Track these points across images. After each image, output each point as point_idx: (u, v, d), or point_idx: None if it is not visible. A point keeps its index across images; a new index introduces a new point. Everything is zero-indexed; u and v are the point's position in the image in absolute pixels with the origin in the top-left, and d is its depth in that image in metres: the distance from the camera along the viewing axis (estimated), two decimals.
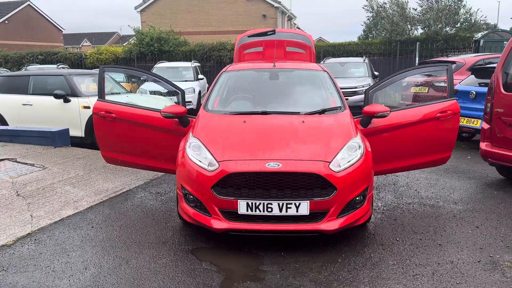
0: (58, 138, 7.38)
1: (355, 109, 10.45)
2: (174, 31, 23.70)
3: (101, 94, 4.74)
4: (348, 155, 3.61)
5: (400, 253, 3.53)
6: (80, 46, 58.00)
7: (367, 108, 4.21)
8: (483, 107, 7.36)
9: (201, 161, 3.58)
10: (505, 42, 18.40)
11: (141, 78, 10.86)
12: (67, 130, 7.57)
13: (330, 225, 3.42)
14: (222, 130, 3.95)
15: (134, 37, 24.88)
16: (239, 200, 3.39)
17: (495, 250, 3.58)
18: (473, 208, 4.59)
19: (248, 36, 6.19)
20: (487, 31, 20.89)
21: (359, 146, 3.73)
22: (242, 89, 4.97)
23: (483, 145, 5.48)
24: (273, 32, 5.96)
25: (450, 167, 6.25)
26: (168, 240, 3.79)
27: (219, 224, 3.45)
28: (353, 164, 3.55)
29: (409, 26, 20.94)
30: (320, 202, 3.38)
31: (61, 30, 44.71)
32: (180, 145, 4.01)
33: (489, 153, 5.37)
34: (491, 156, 5.37)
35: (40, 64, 22.02)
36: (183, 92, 4.77)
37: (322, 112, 4.25)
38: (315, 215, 3.43)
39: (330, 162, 3.47)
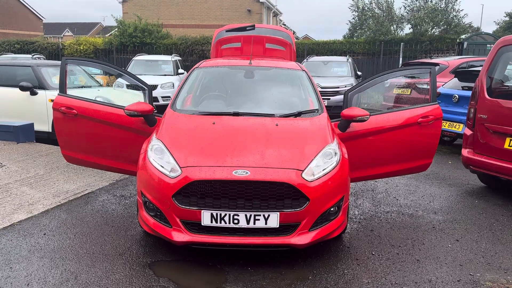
0: (21, 133, 6.94)
1: (337, 110, 10.19)
2: (161, 25, 23.08)
3: (62, 88, 4.42)
4: (323, 162, 3.35)
5: (376, 270, 3.28)
6: (62, 36, 56.48)
7: (345, 112, 3.95)
8: (466, 111, 7.20)
9: (163, 166, 3.27)
10: (488, 46, 18.46)
11: (108, 73, 10.43)
12: (31, 125, 7.13)
13: (302, 239, 3.15)
14: (189, 132, 3.63)
15: (116, 28, 24.20)
16: (202, 211, 3.09)
17: (475, 267, 3.36)
18: (453, 219, 4.39)
19: (226, 31, 5.90)
20: (471, 34, 20.96)
21: (335, 153, 3.46)
22: (214, 88, 4.66)
23: (465, 152, 5.29)
24: (253, 27, 5.67)
25: (430, 173, 6.06)
26: (125, 252, 3.46)
27: (180, 236, 3.14)
28: (328, 173, 3.28)
29: (394, 26, 20.86)
30: (291, 214, 3.11)
31: (41, 19, 43.37)
32: (142, 147, 3.69)
33: (471, 161, 5.19)
34: (473, 164, 5.18)
35: (17, 53, 21.22)
36: (150, 88, 4.43)
37: (298, 114, 3.97)
38: (285, 228, 3.15)
39: (303, 171, 3.19)
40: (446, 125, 7.35)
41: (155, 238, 3.62)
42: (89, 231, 3.85)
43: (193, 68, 4.81)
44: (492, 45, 18.93)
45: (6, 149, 6.64)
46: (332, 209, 3.30)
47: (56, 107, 4.31)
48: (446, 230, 4.10)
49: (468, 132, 5.32)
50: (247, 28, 5.71)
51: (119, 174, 5.43)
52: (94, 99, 7.12)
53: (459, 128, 7.25)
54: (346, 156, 3.60)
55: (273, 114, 3.92)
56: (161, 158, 3.34)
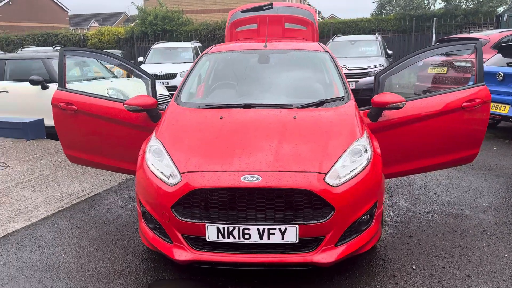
0: (30, 130, 6.63)
1: (366, 93, 9.51)
2: (182, 11, 22.56)
3: (61, 81, 4.05)
4: (351, 162, 2.79)
5: None
6: (88, 27, 56.98)
7: (376, 98, 3.35)
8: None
9: (161, 172, 2.79)
10: None
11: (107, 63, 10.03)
12: (41, 121, 6.82)
13: (327, 256, 2.62)
14: (192, 129, 3.14)
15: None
16: (207, 224, 2.60)
17: None
18: (506, 219, 3.75)
19: (241, 12, 5.38)
20: (510, 5, 19.47)
21: (366, 150, 2.89)
22: (224, 76, 4.14)
23: None
24: (270, 6, 5.12)
25: (474, 162, 5.34)
26: (124, 269, 3.03)
27: (182, 254, 2.67)
28: (357, 174, 2.72)
29: (425, 1, 19.60)
30: (313, 227, 2.58)
31: (67, 11, 43.80)
32: (141, 147, 3.22)
33: None
34: None
35: (41, 46, 21.24)
36: (153, 79, 3.96)
37: (320, 104, 3.40)
38: (306, 243, 2.63)
39: (326, 174, 2.64)
40: None
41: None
42: (88, 242, 3.44)
43: (201, 54, 4.29)
44: None
45: (14, 147, 6.35)
46: (363, 217, 2.75)
47: (55, 103, 3.96)
48: (499, 234, 3.48)
49: None
50: (264, 8, 5.17)
51: None
52: (106, 92, 6.88)
53: (505, 109, 6.48)
54: (378, 151, 3.02)
55: (291, 105, 3.37)
56: (160, 161, 2.87)
